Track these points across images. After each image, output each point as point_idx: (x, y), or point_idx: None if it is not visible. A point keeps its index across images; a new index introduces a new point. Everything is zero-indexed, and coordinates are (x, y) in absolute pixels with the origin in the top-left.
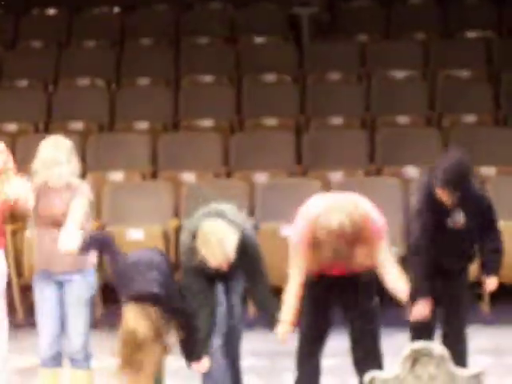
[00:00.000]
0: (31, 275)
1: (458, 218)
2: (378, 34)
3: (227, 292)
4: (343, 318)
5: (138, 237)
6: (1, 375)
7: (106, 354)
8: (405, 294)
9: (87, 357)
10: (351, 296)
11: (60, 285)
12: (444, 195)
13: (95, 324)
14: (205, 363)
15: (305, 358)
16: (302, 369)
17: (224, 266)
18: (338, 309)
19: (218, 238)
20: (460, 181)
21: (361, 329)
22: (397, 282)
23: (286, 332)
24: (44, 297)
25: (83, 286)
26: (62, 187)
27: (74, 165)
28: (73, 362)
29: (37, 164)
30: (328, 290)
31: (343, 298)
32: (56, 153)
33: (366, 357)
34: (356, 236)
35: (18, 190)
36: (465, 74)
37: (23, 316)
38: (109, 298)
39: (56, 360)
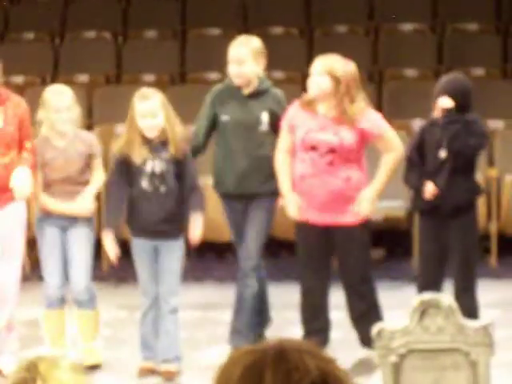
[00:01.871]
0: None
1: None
2: None
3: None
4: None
5: None
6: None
7: (113, 306)
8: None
9: (92, 297)
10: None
11: (63, 228)
12: (441, 106)
13: (102, 277)
14: None
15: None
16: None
17: None
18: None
19: None
20: (459, 88)
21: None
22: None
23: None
24: (48, 240)
25: (87, 231)
26: (71, 137)
27: (77, 113)
28: (78, 303)
29: (41, 112)
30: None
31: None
32: (59, 98)
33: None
34: None
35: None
36: (473, 26)
37: (30, 269)
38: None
39: (62, 302)
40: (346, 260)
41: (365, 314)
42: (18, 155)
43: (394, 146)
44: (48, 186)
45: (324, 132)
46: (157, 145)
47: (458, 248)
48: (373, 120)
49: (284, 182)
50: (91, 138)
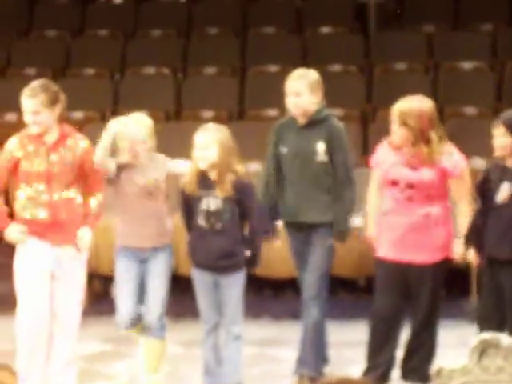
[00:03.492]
0: (96, 263)
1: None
2: (446, 23)
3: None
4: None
5: None
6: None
7: (170, 342)
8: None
9: (162, 327)
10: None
11: (143, 259)
12: (499, 137)
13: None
14: None
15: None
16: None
17: None
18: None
19: None
20: None
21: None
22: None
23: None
24: (125, 269)
25: (166, 260)
26: (146, 162)
27: (153, 143)
28: (149, 331)
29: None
30: None
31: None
32: (140, 128)
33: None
34: None
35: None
36: None
37: (88, 304)
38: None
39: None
40: (417, 298)
41: (421, 352)
42: (82, 191)
43: (466, 193)
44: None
45: (405, 168)
46: (212, 182)
47: (508, 287)
48: (454, 160)
49: (372, 221)
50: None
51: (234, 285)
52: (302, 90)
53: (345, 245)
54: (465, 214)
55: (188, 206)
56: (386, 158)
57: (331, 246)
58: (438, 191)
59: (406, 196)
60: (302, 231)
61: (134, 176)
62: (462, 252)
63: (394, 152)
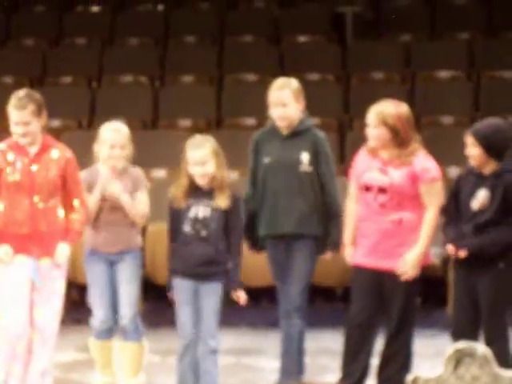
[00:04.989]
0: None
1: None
2: (422, 33)
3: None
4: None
5: None
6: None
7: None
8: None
9: (137, 330)
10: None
11: (111, 261)
12: (470, 147)
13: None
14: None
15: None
16: None
17: None
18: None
19: None
20: (486, 132)
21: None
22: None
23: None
24: (96, 274)
25: (134, 264)
26: (120, 172)
27: (129, 152)
28: (124, 334)
29: (96, 146)
30: None
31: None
32: (117, 135)
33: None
34: None
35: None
36: (510, 74)
37: (65, 312)
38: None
39: (109, 333)
40: (390, 306)
41: (396, 361)
42: (63, 202)
43: (436, 201)
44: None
45: (376, 172)
46: (205, 191)
47: (486, 297)
48: (426, 166)
49: (347, 231)
50: (138, 173)
51: (213, 295)
52: (287, 100)
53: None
54: (428, 222)
55: (175, 218)
56: (361, 165)
57: (314, 257)
58: (411, 197)
59: (379, 202)
60: (283, 242)
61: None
62: (412, 262)
63: (370, 157)
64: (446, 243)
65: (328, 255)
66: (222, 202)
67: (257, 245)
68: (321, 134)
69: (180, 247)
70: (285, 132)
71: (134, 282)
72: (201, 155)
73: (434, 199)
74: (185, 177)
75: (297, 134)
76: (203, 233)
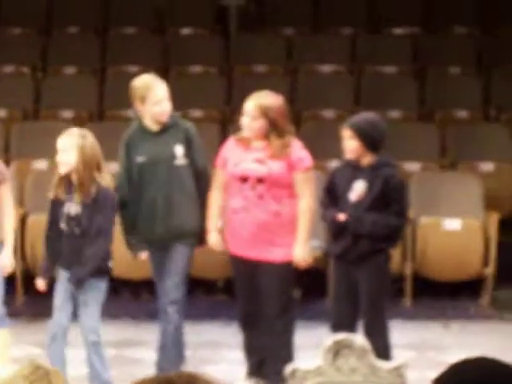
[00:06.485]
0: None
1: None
2: (306, 27)
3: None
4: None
5: None
6: None
7: (26, 343)
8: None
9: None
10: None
11: None
12: (347, 139)
13: (16, 313)
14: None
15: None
16: None
17: None
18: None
19: None
20: (364, 125)
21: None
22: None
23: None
24: None
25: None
26: None
27: None
28: None
29: None
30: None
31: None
32: None
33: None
34: None
35: None
36: (391, 69)
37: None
38: (30, 287)
39: None
40: (268, 295)
41: (277, 352)
42: None
43: (309, 191)
44: None
45: (253, 163)
46: (75, 187)
47: (365, 290)
48: (301, 155)
49: (211, 218)
50: (4, 171)
51: (92, 290)
52: (167, 95)
53: (203, 247)
54: (303, 211)
55: (53, 209)
56: (232, 155)
57: (191, 251)
58: (289, 188)
59: (257, 193)
60: (160, 243)
61: None
62: (301, 254)
63: (242, 148)
64: (328, 222)
65: (206, 247)
66: (80, 197)
67: (135, 246)
68: (189, 124)
69: (56, 240)
70: (155, 128)
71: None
72: (63, 143)
73: (307, 188)
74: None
75: (167, 128)
76: (76, 230)
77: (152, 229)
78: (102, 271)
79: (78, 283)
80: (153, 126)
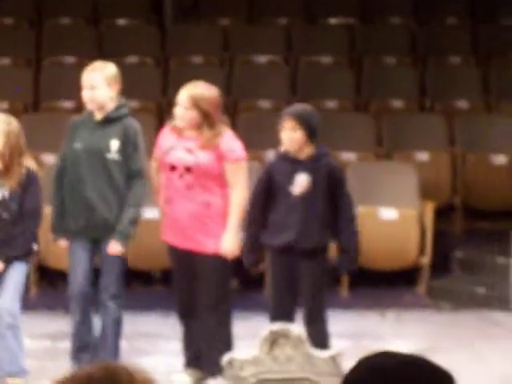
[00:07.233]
0: None
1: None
2: (241, 17)
3: None
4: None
5: None
6: None
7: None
8: None
9: None
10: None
11: None
12: (288, 130)
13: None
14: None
15: None
16: None
17: None
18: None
19: None
20: (306, 115)
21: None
22: None
23: None
24: None
25: None
26: None
27: None
28: None
29: None
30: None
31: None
32: None
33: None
34: None
35: None
36: (327, 59)
37: None
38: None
39: None
40: (203, 285)
41: (213, 343)
42: None
43: (241, 181)
44: None
45: (182, 152)
46: (2, 172)
47: (307, 280)
48: (232, 145)
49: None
50: None
51: (14, 273)
52: (96, 83)
53: (140, 237)
54: (235, 202)
55: None
56: (166, 141)
57: (126, 244)
58: (218, 179)
59: (186, 183)
60: (93, 233)
61: None
62: (229, 245)
63: (175, 136)
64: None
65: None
66: (6, 182)
67: (58, 232)
68: (134, 124)
69: None
70: (98, 118)
71: None
72: None
73: (238, 179)
74: None
75: (109, 121)
76: (5, 215)
77: (76, 218)
78: (27, 253)
79: (7, 263)
80: (97, 116)
